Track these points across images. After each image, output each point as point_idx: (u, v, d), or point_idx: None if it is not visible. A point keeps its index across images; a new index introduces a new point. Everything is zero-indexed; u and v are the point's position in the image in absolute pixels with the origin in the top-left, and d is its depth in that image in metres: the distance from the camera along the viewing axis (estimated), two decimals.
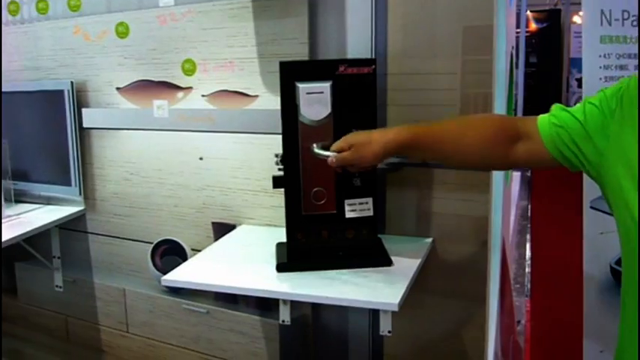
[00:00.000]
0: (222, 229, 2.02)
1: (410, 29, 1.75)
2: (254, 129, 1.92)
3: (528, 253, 4.09)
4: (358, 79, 1.55)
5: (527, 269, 4.20)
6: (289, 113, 1.55)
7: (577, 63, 7.89)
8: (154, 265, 2.15)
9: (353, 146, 1.37)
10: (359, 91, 1.56)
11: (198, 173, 2.03)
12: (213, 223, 2.04)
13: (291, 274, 1.59)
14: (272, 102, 1.88)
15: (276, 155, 1.60)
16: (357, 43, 1.78)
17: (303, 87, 1.52)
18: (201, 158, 2.01)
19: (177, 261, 2.10)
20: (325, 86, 1.53)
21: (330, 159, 1.41)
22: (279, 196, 1.87)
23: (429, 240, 1.80)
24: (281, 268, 1.59)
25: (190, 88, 1.98)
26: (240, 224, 2.01)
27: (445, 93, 1.74)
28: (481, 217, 1.74)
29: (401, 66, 1.76)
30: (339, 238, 1.63)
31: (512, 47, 2.58)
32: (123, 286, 2.25)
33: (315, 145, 1.50)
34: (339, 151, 1.39)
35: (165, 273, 1.72)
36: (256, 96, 1.90)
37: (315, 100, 1.53)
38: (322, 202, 1.60)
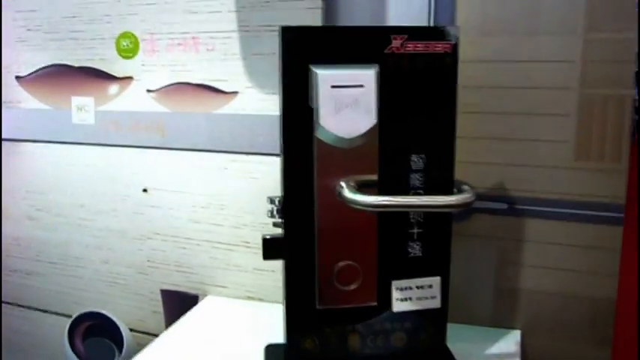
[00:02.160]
0: (176, 302, 1.30)
1: None
2: (230, 146, 1.20)
3: None
4: (426, 64, 0.84)
5: None
6: (297, 124, 0.83)
7: None
8: (73, 349, 1.41)
9: None
10: (428, 86, 0.85)
11: (140, 213, 1.29)
12: (163, 292, 1.31)
13: None
14: (260, 102, 1.16)
15: (271, 201, 0.88)
16: (405, 10, 1.07)
17: (325, 75, 0.81)
18: (145, 190, 1.28)
19: (107, 345, 1.36)
20: (367, 75, 0.81)
21: None
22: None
23: (516, 333, 1.10)
24: None
25: (129, 78, 1.25)
26: (204, 295, 1.28)
27: (553, 94, 1.04)
28: (601, 298, 1.06)
29: (478, 48, 1.05)
30: (380, 346, 0.92)
31: None
32: None
33: (345, 186, 0.80)
34: None
35: None
36: (234, 93, 1.18)
37: (349, 101, 0.81)
38: (353, 286, 0.88)
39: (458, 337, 1.00)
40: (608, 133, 1.03)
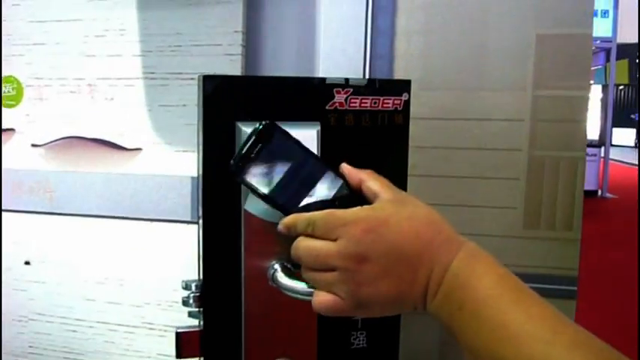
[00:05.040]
0: None
1: (437, 37, 0.94)
2: (131, 212, 1.03)
3: None
4: (374, 122, 0.71)
5: None
6: (221, 193, 0.68)
7: None
8: None
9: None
10: (376, 147, 0.72)
11: (21, 290, 1.09)
12: None
13: None
14: (168, 161, 1.00)
15: (187, 286, 0.72)
16: (337, 62, 0.95)
17: None
18: (27, 263, 1.08)
19: None
20: (307, 135, 0.68)
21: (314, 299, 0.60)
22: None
23: None
24: None
25: (11, 130, 1.06)
26: None
27: (501, 156, 0.94)
28: None
29: (419, 104, 0.94)
30: None
31: None
32: None
33: (279, 268, 0.66)
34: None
35: None
36: (137, 149, 1.02)
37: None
38: None
39: None
40: (559, 198, 0.94)
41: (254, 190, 0.61)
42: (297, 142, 0.62)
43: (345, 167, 0.63)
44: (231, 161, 0.61)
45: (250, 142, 0.61)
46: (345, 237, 0.55)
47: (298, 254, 0.59)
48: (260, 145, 0.61)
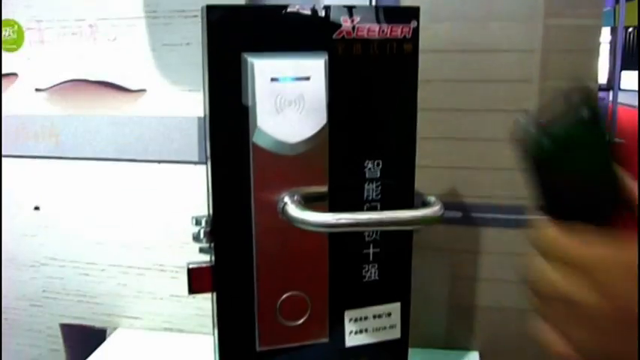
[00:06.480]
0: (80, 338, 1.10)
1: None
2: (138, 154, 1.02)
3: None
4: (383, 51, 0.70)
5: None
6: (229, 126, 0.67)
7: None
8: None
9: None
10: (385, 77, 0.71)
11: (32, 235, 1.09)
12: (63, 327, 1.12)
13: None
14: (173, 102, 0.99)
15: (197, 221, 0.72)
16: None
17: (262, 66, 0.65)
18: (36, 208, 1.08)
19: None
20: (315, 65, 0.67)
21: None
22: None
23: (474, 355, 0.99)
24: None
25: (14, 75, 1.05)
26: (114, 328, 1.09)
27: (510, 88, 0.93)
28: None
29: (427, 36, 0.92)
30: None
31: None
32: None
33: (289, 201, 0.66)
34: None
35: None
36: (141, 91, 1.00)
37: (292, 97, 0.66)
38: (300, 320, 0.73)
39: None
40: None
41: (544, 167, 0.48)
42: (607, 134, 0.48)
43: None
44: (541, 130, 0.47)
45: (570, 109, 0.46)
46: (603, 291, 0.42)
47: (538, 284, 0.46)
48: (574, 117, 0.46)
